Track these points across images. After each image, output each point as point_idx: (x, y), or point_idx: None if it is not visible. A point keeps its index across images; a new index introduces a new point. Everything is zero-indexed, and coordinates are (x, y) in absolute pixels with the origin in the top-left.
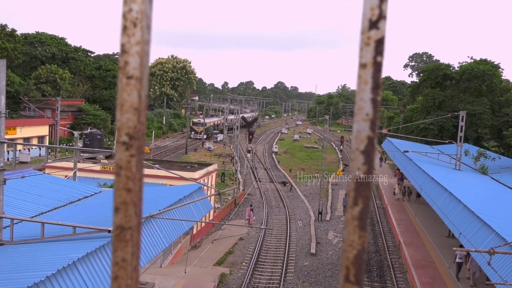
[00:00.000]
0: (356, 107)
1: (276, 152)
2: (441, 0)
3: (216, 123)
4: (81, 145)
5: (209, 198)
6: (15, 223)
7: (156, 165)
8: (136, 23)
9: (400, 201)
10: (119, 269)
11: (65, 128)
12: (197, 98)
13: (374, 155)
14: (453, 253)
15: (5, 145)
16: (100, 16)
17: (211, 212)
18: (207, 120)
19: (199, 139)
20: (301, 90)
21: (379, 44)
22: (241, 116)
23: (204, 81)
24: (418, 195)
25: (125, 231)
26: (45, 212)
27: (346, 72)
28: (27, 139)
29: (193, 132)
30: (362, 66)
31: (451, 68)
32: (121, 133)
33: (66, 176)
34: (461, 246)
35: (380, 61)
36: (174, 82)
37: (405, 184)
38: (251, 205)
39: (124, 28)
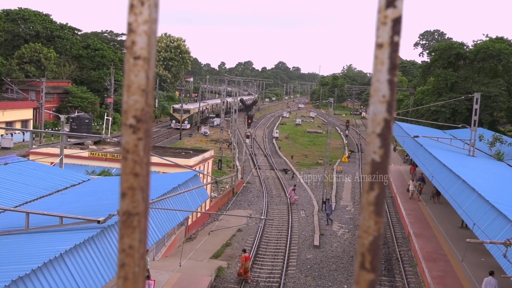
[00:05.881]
0: (372, 89)
1: (277, 137)
2: None
3: (203, 109)
4: (67, 130)
5: (205, 186)
6: None
7: None
8: (144, 1)
9: (413, 195)
10: (126, 256)
11: (51, 112)
12: (192, 79)
13: (391, 138)
14: (467, 245)
15: None
16: None
17: (208, 201)
18: (191, 106)
19: (181, 128)
20: (304, 70)
21: (396, 23)
22: (239, 98)
23: (199, 61)
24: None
25: (132, 217)
26: (30, 201)
27: (352, 52)
28: (9, 123)
29: (173, 121)
30: (379, 46)
31: (465, 47)
32: (128, 116)
33: (52, 163)
34: (491, 273)
35: (397, 41)
36: (168, 62)
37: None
38: (294, 186)
39: (131, 7)
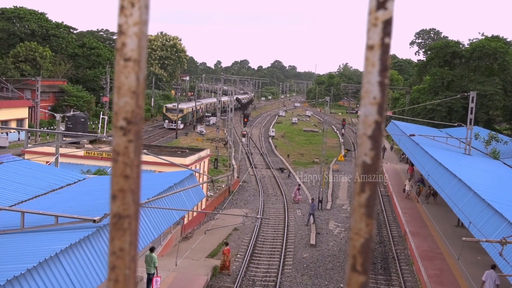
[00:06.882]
0: (363, 90)
1: (273, 136)
2: None
3: (196, 108)
4: (63, 129)
5: (201, 185)
6: None
7: (144, 150)
8: (134, 2)
9: (409, 195)
10: (116, 258)
11: (46, 110)
12: (188, 78)
13: (382, 140)
14: (463, 243)
15: None
16: None
17: (204, 200)
18: (184, 106)
19: (174, 128)
20: (300, 69)
21: (387, 25)
22: (235, 97)
23: (195, 60)
24: (428, 195)
25: (123, 219)
26: (25, 201)
27: (348, 50)
28: (5, 122)
29: (166, 121)
30: (370, 47)
31: (461, 46)
32: (118, 118)
33: (47, 162)
34: (493, 266)
35: (388, 42)
36: (164, 61)
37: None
38: (299, 185)
39: (122, 8)
